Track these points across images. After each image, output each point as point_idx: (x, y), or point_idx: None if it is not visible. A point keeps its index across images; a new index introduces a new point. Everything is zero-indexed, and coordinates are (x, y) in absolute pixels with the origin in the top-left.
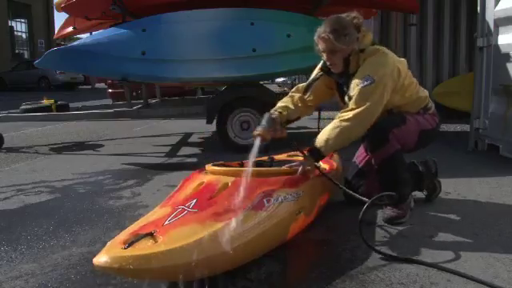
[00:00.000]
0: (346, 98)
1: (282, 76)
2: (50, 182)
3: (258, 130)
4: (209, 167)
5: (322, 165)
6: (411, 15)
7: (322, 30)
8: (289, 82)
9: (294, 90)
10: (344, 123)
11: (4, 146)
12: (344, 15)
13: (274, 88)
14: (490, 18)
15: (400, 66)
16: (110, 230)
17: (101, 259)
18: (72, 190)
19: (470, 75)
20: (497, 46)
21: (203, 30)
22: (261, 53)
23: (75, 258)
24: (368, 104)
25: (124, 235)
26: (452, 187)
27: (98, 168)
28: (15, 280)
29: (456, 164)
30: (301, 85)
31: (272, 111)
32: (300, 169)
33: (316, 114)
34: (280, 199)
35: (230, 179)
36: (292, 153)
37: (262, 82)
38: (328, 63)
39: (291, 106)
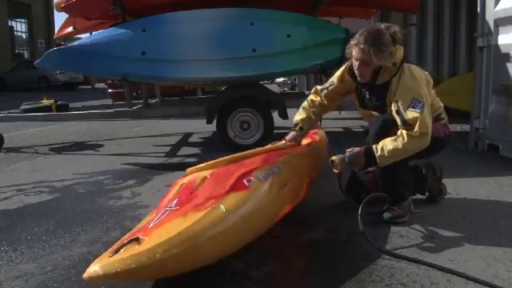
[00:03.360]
0: (400, 123)
1: (282, 76)
2: (50, 182)
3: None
4: (188, 170)
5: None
6: (411, 15)
7: (361, 40)
8: (289, 82)
9: (313, 91)
10: (412, 146)
11: (4, 146)
12: (384, 27)
13: (274, 88)
14: (490, 18)
15: (429, 81)
16: (109, 230)
17: (90, 270)
18: (72, 189)
19: (470, 75)
20: (497, 46)
21: (203, 30)
22: (261, 53)
23: (75, 258)
24: (431, 127)
25: (111, 248)
26: (452, 187)
27: (98, 168)
28: (15, 280)
29: (456, 164)
30: (319, 87)
31: (295, 127)
32: (288, 137)
33: None
34: (260, 176)
35: (207, 172)
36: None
37: (261, 82)
38: (357, 72)
39: (312, 116)
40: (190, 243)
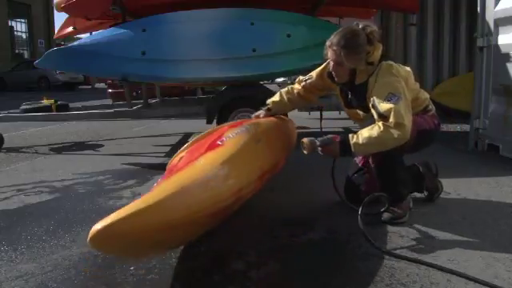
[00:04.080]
0: (376, 116)
1: (282, 76)
2: (50, 182)
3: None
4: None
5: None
6: (411, 15)
7: (335, 41)
8: (289, 82)
9: (297, 80)
10: (387, 135)
11: (4, 146)
12: (361, 27)
13: (274, 88)
14: (490, 18)
15: (408, 78)
16: None
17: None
18: (72, 189)
19: (470, 75)
20: (497, 46)
21: (203, 30)
22: (261, 53)
23: (75, 258)
24: (407, 119)
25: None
26: (452, 187)
27: (98, 168)
28: (15, 280)
29: (456, 164)
30: (302, 77)
31: (264, 106)
32: (253, 114)
33: (315, 113)
34: (231, 135)
35: (183, 152)
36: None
37: (261, 82)
38: (333, 73)
39: (285, 102)
40: (177, 186)
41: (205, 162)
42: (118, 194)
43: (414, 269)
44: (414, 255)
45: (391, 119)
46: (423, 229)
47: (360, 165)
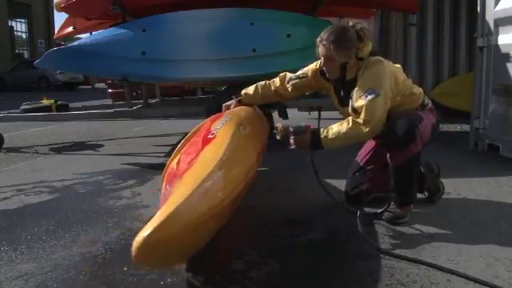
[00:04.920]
0: (350, 109)
1: None
2: (50, 182)
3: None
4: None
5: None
6: (411, 15)
7: (325, 36)
8: None
9: (280, 76)
10: (354, 132)
11: (4, 146)
12: (351, 24)
13: None
14: (490, 18)
15: (397, 74)
16: (109, 230)
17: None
18: (72, 189)
19: (470, 75)
20: (497, 46)
21: (203, 30)
22: (261, 53)
23: (75, 258)
24: (377, 116)
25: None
26: (452, 187)
27: (98, 168)
28: (15, 280)
29: (456, 164)
30: (289, 75)
31: (236, 97)
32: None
33: (314, 114)
34: (218, 127)
35: (178, 156)
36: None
37: None
38: (324, 69)
39: (259, 96)
40: (197, 181)
41: (209, 155)
42: (118, 193)
43: (414, 269)
44: (414, 255)
45: (362, 116)
46: (423, 229)
47: (361, 164)
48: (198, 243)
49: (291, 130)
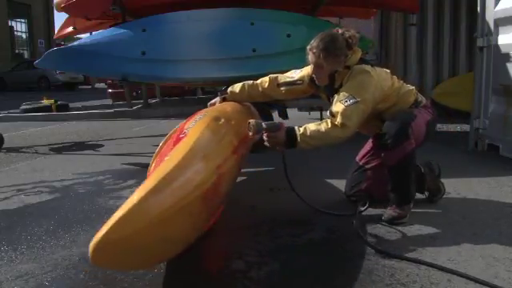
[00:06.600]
0: (328, 112)
1: None
2: (50, 182)
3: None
4: None
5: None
6: (411, 15)
7: (314, 44)
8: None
9: (270, 78)
10: (332, 133)
11: (4, 146)
12: (340, 32)
13: None
14: (490, 18)
15: (383, 83)
16: None
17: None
18: (72, 189)
19: (470, 75)
20: (497, 46)
21: (203, 30)
22: (261, 53)
23: (75, 258)
24: (352, 122)
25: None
26: (452, 187)
27: (98, 168)
28: (15, 280)
29: (456, 164)
30: (280, 76)
31: (221, 94)
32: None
33: (315, 114)
34: (191, 125)
35: (155, 159)
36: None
37: None
38: (314, 76)
39: (245, 96)
40: (156, 179)
41: (176, 153)
42: (118, 193)
43: (414, 269)
44: (414, 255)
45: (338, 119)
46: (423, 229)
47: (361, 163)
48: (172, 243)
49: (264, 126)
